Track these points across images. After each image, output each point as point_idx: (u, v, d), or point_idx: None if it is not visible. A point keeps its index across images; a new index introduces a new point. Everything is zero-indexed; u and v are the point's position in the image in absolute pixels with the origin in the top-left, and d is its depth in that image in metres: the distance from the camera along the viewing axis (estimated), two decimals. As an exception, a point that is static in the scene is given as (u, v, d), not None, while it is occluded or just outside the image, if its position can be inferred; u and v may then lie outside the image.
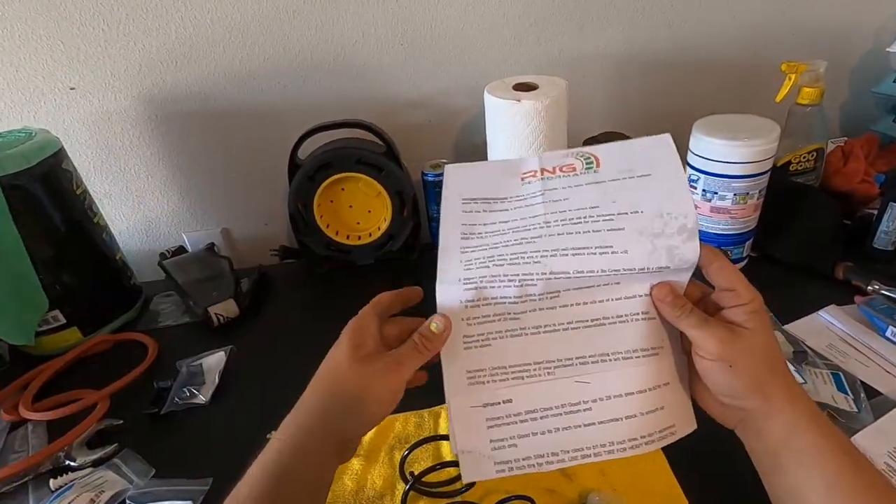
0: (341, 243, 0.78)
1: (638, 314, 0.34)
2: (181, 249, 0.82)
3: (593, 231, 0.34)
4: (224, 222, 0.88)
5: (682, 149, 0.68)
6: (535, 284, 0.34)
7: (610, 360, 0.34)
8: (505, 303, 0.35)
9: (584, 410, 0.34)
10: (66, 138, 0.75)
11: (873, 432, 0.47)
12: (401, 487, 0.46)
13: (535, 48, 0.80)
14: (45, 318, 0.65)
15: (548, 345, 0.35)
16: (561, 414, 0.34)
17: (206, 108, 0.77)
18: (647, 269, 0.33)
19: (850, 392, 0.51)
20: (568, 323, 0.35)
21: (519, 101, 0.64)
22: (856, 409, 0.49)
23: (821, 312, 0.62)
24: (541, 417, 0.34)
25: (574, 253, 0.34)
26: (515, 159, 0.40)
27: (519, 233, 0.36)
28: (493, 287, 0.35)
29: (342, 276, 0.79)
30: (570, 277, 0.34)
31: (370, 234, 0.78)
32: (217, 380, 0.60)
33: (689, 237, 0.33)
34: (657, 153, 0.36)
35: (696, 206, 0.67)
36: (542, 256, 0.34)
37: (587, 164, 0.37)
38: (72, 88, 0.73)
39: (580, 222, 0.35)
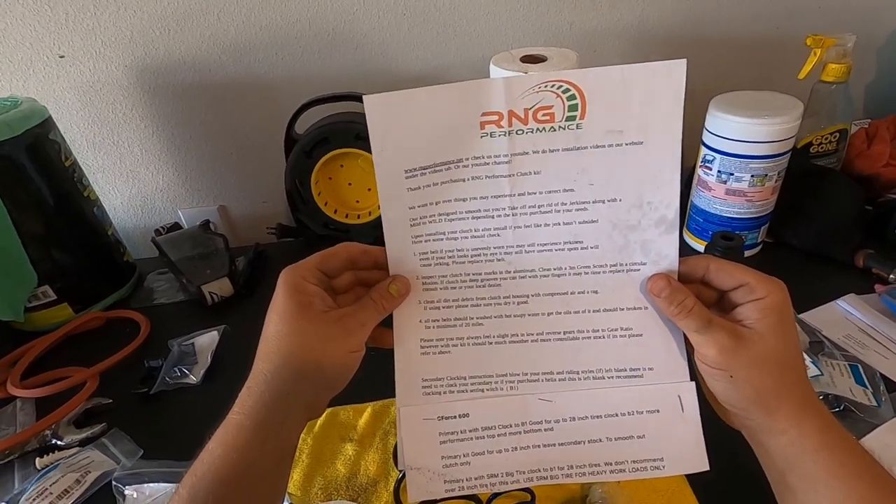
0: (340, 222, 0.75)
1: (617, 330, 0.31)
2: (176, 226, 0.79)
3: (564, 224, 0.31)
4: (221, 199, 0.85)
5: (698, 129, 0.64)
6: (500, 285, 0.31)
7: (580, 378, 0.31)
8: (467, 306, 0.32)
9: (546, 430, 0.31)
10: (57, 109, 0.73)
11: (894, 427, 0.45)
12: (394, 474, 0.45)
13: (545, 20, 0.76)
14: (35, 293, 0.63)
15: (512, 356, 0.31)
16: (520, 433, 0.31)
17: (201, 79, 0.75)
18: (619, 265, 0.30)
19: (868, 385, 0.49)
20: (537, 334, 0.31)
21: (526, 73, 0.61)
22: (875, 403, 0.47)
23: (839, 301, 0.59)
24: (498, 435, 0.31)
25: (541, 249, 0.31)
26: (474, 83, 0.29)
27: (480, 220, 0.31)
28: (454, 288, 0.31)
29: (340, 256, 0.76)
30: (536, 277, 0.31)
31: (370, 213, 0.75)
32: (209, 360, 0.59)
33: (667, 230, 0.30)
34: (661, 97, 0.29)
35: (710, 189, 0.65)
36: (505, 253, 0.31)
37: (570, 108, 0.30)
38: (61, 56, 0.70)
39: (550, 212, 0.31)
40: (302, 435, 0.48)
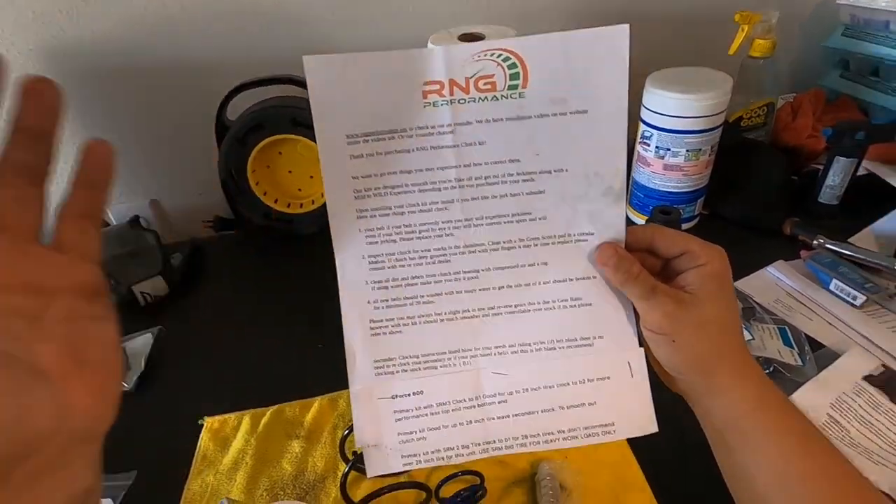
0: (282, 212, 0.72)
1: (567, 300, 0.31)
2: (103, 224, 0.74)
3: (511, 195, 0.30)
4: (153, 193, 0.80)
5: (636, 105, 0.65)
6: (450, 261, 0.31)
7: (531, 350, 0.32)
8: (417, 284, 0.31)
9: (500, 403, 0.31)
10: (-50, 99, 0.65)
11: (816, 385, 0.48)
12: (343, 468, 0.44)
13: (484, -2, 0.75)
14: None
15: (464, 332, 0.31)
16: (474, 406, 0.31)
17: (120, 62, 0.69)
18: (567, 236, 0.31)
19: (795, 345, 0.52)
20: (489, 308, 0.31)
21: (464, 52, 0.60)
22: (800, 363, 0.50)
23: (768, 268, 0.62)
24: (452, 410, 0.31)
25: (489, 222, 0.31)
26: (414, 51, 0.29)
27: (427, 193, 0.30)
28: (403, 266, 0.31)
29: (284, 248, 0.73)
30: (486, 251, 0.31)
31: (313, 202, 0.73)
32: (143, 365, 0.55)
33: (614, 200, 0.30)
34: (604, 64, 0.29)
35: (649, 164, 0.66)
36: (454, 228, 0.30)
37: (511, 76, 0.29)
38: (-49, 40, 0.63)
39: (497, 183, 0.30)
40: (245, 436, 0.47)
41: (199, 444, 0.47)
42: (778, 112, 0.77)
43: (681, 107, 0.61)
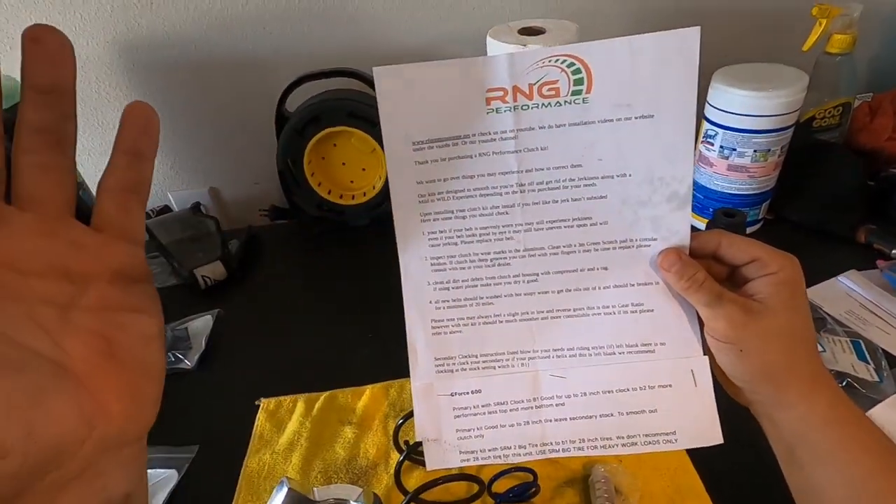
0: (334, 203, 0.74)
1: (628, 306, 0.31)
2: (166, 209, 0.78)
3: (572, 200, 0.30)
4: (212, 181, 0.83)
5: (701, 103, 0.63)
6: (510, 264, 0.31)
7: (590, 354, 0.31)
8: (477, 286, 0.31)
9: (557, 405, 0.31)
10: (36, 88, 0.70)
11: (895, 402, 0.44)
12: (395, 457, 0.44)
13: (543, -9, 0.73)
14: (22, 279, 0.62)
15: (523, 334, 0.31)
16: (531, 407, 0.31)
17: (186, 56, 0.72)
18: (629, 241, 0.30)
19: (870, 361, 0.49)
20: (547, 311, 0.31)
21: (524, 45, 0.59)
22: (877, 379, 0.47)
23: (840, 277, 0.59)
24: (510, 410, 0.31)
25: (549, 227, 0.30)
26: (477, 60, 0.29)
27: (488, 198, 0.31)
28: (464, 268, 0.31)
29: (335, 238, 0.75)
30: (546, 255, 0.31)
31: (364, 194, 0.74)
32: (204, 344, 0.58)
33: (679, 205, 0.29)
34: (673, 68, 0.28)
35: (711, 164, 0.64)
36: (514, 232, 0.31)
37: (576, 82, 0.29)
38: (39, 32, 0.67)
39: (559, 188, 0.30)
40: (300, 419, 0.48)
41: (255, 423, 0.49)
42: (854, 112, 0.72)
43: (750, 104, 0.58)
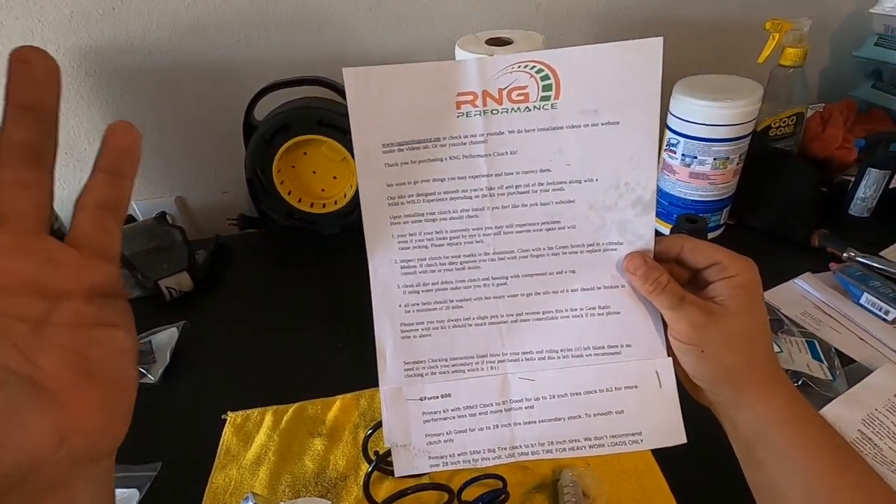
0: (305, 212, 0.73)
1: (595, 308, 0.31)
2: (130, 219, 0.75)
3: (541, 204, 0.31)
4: (179, 190, 0.82)
5: (663, 112, 0.65)
6: (479, 267, 0.31)
7: (559, 356, 0.32)
8: (447, 289, 0.31)
9: (526, 408, 0.31)
10: (-10, 94, 0.68)
11: (847, 400, 0.46)
12: (365, 468, 0.44)
13: (512, 3, 0.75)
14: (-26, 293, 0.59)
15: (493, 337, 0.32)
16: (501, 411, 0.31)
17: (151, 63, 0.70)
18: (596, 245, 0.31)
19: (824, 360, 0.51)
20: (517, 314, 0.31)
21: (491, 55, 0.60)
22: (830, 377, 0.49)
23: (796, 280, 0.61)
24: (480, 413, 0.31)
25: (519, 230, 0.31)
26: (447, 64, 0.29)
27: (458, 201, 0.31)
28: (434, 271, 0.31)
29: (306, 247, 0.74)
30: (515, 258, 0.31)
31: (335, 202, 0.73)
32: (168, 358, 0.56)
33: (644, 210, 0.30)
34: (637, 76, 0.29)
35: (674, 172, 0.66)
36: (484, 235, 0.31)
37: (544, 88, 0.29)
38: (-7, 38, 0.65)
39: (528, 192, 0.31)
40: (267, 432, 0.48)
41: (222, 438, 0.48)
42: (807, 122, 0.76)
43: (709, 114, 0.60)
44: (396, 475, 0.31)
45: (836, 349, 0.52)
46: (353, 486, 0.43)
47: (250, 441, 0.47)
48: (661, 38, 0.29)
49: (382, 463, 0.42)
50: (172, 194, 0.81)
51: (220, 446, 0.47)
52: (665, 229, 0.69)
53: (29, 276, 0.17)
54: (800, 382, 0.48)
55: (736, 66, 0.68)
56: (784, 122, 0.72)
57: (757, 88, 0.61)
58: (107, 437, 0.18)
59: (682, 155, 0.64)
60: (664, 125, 0.65)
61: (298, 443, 0.47)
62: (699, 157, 0.63)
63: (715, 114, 0.60)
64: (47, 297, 0.18)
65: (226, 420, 0.49)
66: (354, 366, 0.54)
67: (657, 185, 0.68)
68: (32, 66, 0.18)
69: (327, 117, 0.67)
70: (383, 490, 0.42)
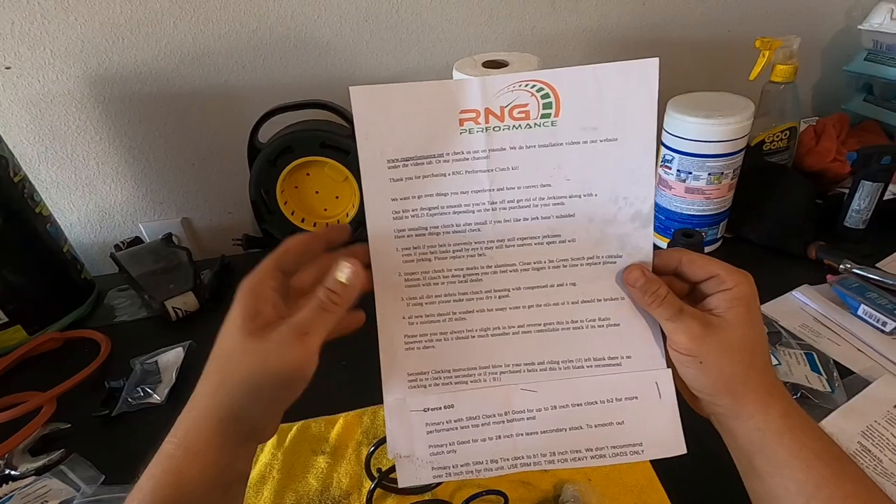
0: (308, 231, 0.74)
1: (595, 320, 0.32)
2: (137, 240, 0.77)
3: (542, 218, 0.32)
4: (184, 211, 0.83)
5: (659, 129, 0.66)
6: (481, 280, 0.32)
7: (560, 368, 0.32)
8: (450, 301, 0.32)
9: (528, 419, 0.32)
10: (3, 122, 0.70)
11: (846, 412, 0.47)
12: (368, 485, 0.44)
13: (507, 25, 0.77)
14: (-15, 316, 0.60)
15: (495, 349, 0.32)
16: (503, 422, 0.32)
17: (158, 89, 0.73)
18: (596, 258, 0.32)
19: (823, 372, 0.51)
20: (518, 326, 0.32)
21: (489, 78, 0.62)
22: (829, 389, 0.49)
23: (794, 292, 0.62)
24: (482, 424, 0.32)
25: (521, 244, 0.32)
26: (451, 83, 0.31)
27: (461, 215, 0.32)
28: (437, 284, 0.32)
29: (309, 266, 0.75)
30: (517, 271, 0.32)
31: (338, 221, 0.75)
32: (174, 378, 0.57)
33: (642, 224, 0.31)
34: (634, 95, 0.30)
35: (670, 187, 0.67)
36: (487, 248, 0.32)
37: (545, 105, 0.31)
38: (7, 68, 0.68)
39: (529, 206, 0.32)
40: (271, 450, 0.48)
41: (227, 457, 0.48)
42: (801, 136, 0.77)
43: (702, 131, 0.62)
44: (400, 486, 0.32)
45: (834, 361, 0.52)
46: (356, 503, 0.43)
47: (254, 460, 0.47)
48: (657, 59, 0.30)
49: (385, 480, 0.42)
50: (179, 216, 0.83)
51: (225, 465, 0.47)
52: (662, 243, 0.70)
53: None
54: (798, 395, 0.49)
55: (728, 84, 0.69)
56: (778, 136, 0.74)
57: (748, 105, 0.63)
58: (302, 382, 0.29)
59: (678, 171, 0.65)
60: (659, 142, 0.67)
61: (302, 461, 0.47)
62: (694, 173, 0.64)
63: (708, 130, 0.61)
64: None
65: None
66: (356, 383, 0.55)
67: (654, 200, 0.70)
68: (351, 291, 0.30)
69: (330, 139, 0.69)
70: (386, 507, 0.42)
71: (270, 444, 0.49)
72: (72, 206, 0.79)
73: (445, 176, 0.31)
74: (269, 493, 0.44)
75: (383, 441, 0.45)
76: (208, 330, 0.70)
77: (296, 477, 0.46)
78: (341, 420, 0.50)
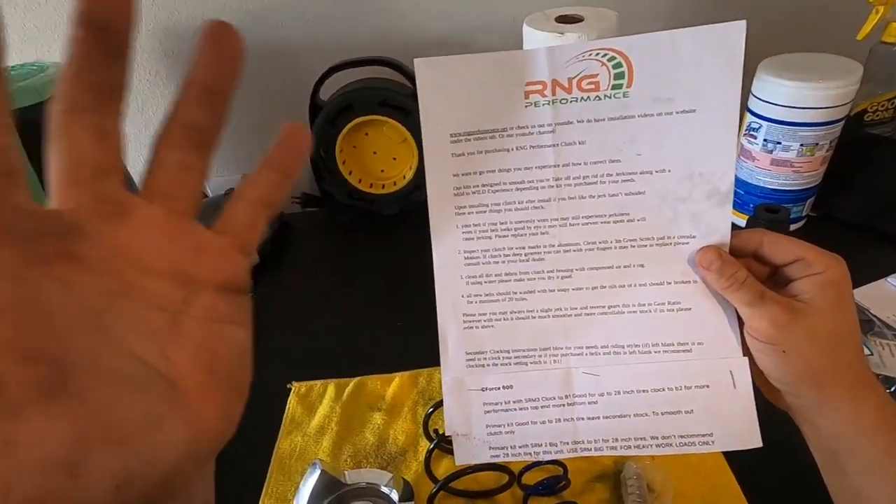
0: (364, 191, 0.74)
1: (664, 304, 0.30)
2: (203, 195, 0.79)
3: (609, 195, 0.30)
4: (245, 168, 0.85)
5: (745, 95, 0.61)
6: (544, 259, 0.30)
7: (625, 352, 0.30)
8: (510, 280, 0.31)
9: (590, 403, 0.31)
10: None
11: (948, 411, 0.42)
12: (423, 444, 0.44)
13: (581, -22, 0.72)
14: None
15: (556, 330, 0.31)
16: (563, 405, 0.31)
17: (223, 44, 0.73)
18: (667, 238, 0.29)
19: (921, 366, 0.46)
20: (581, 308, 0.31)
21: (562, 34, 0.58)
22: (928, 385, 0.45)
23: (889, 279, 0.56)
24: (542, 406, 0.31)
25: (585, 222, 0.30)
26: (517, 53, 0.29)
27: (524, 192, 0.30)
28: (497, 262, 0.31)
29: (365, 226, 0.75)
30: (581, 250, 0.30)
31: (395, 183, 0.74)
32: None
33: (719, 202, 0.29)
34: (716, 62, 0.27)
35: (754, 159, 0.61)
36: (550, 227, 0.30)
37: (616, 76, 0.28)
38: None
39: (596, 183, 0.30)
40: (330, 403, 0.49)
41: (287, 406, 0.50)
42: (909, 106, 0.69)
43: (798, 96, 0.56)
44: (457, 464, 0.32)
45: (935, 355, 0.47)
46: (412, 460, 0.44)
47: (314, 411, 0.49)
48: (744, 22, 0.27)
49: (443, 441, 0.42)
50: (239, 172, 0.84)
51: (285, 414, 0.49)
52: (740, 221, 0.65)
53: (175, 260, 0.16)
54: (892, 389, 0.45)
55: (831, 44, 0.62)
56: (883, 105, 0.66)
57: (854, 68, 0.56)
58: (224, 438, 0.17)
59: (765, 140, 0.60)
60: (745, 108, 0.61)
61: (359, 416, 0.48)
62: (783, 143, 0.58)
63: (804, 95, 0.56)
64: (187, 286, 0.16)
65: (290, 389, 0.51)
66: (410, 345, 0.55)
67: (734, 175, 0.65)
68: (225, 47, 0.17)
69: (390, 98, 0.67)
70: (442, 467, 0.42)
71: (329, 396, 0.50)
72: (142, 159, 0.81)
73: (509, 151, 0.30)
74: (328, 443, 0.46)
75: (440, 404, 0.45)
76: (266, 284, 0.72)
77: (353, 430, 0.47)
78: (397, 379, 0.51)
